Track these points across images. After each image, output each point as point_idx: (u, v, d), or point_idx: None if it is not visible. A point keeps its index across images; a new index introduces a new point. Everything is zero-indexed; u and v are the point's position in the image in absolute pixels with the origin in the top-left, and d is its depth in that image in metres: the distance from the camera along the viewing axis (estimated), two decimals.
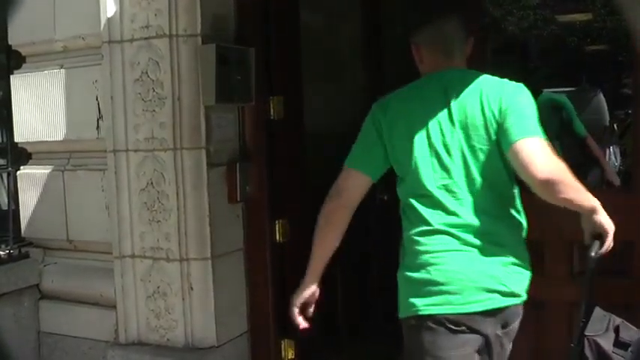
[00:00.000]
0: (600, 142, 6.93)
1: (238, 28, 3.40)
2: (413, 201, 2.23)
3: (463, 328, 2.14)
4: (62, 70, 3.70)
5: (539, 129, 2.14)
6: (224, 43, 3.22)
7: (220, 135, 3.28)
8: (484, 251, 2.16)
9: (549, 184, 2.04)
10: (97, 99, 3.54)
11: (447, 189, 2.18)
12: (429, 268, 2.16)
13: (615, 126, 7.30)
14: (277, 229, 3.48)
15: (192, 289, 3.22)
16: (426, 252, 2.18)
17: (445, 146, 2.18)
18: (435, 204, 2.18)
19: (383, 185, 3.86)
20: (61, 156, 3.80)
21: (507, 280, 2.18)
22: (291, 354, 3.53)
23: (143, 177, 3.25)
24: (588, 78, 14.05)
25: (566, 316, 2.89)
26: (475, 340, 2.17)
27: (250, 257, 3.45)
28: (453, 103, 2.19)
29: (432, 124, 2.20)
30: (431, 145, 2.19)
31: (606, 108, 12.94)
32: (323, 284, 3.76)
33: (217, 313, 3.25)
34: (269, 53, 3.45)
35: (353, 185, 2.32)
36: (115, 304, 3.43)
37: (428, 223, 2.18)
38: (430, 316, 2.15)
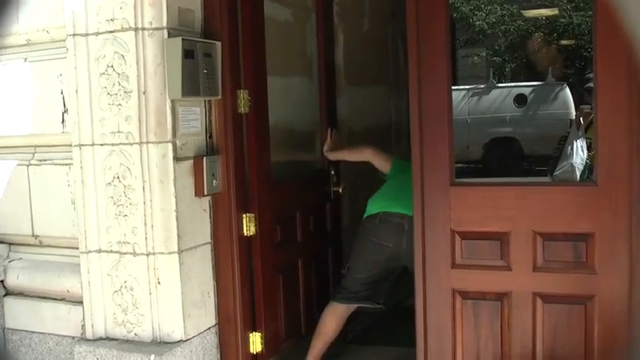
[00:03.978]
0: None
1: (205, 22, 3.39)
2: None
3: None
4: (26, 64, 3.67)
5: None
6: (191, 37, 3.21)
7: (187, 129, 3.27)
8: None
9: None
10: (62, 93, 3.52)
11: None
12: None
13: (581, 119, 7.37)
14: (244, 222, 3.49)
15: (159, 283, 3.21)
16: None
17: None
18: None
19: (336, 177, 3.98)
20: (26, 150, 3.77)
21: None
22: (259, 347, 3.55)
23: (109, 171, 3.23)
24: (554, 72, 14.27)
25: (529, 306, 2.95)
26: None
27: (218, 251, 3.45)
28: None
29: None
30: None
31: (572, 102, 13.15)
32: (287, 281, 3.80)
33: (185, 307, 3.24)
34: (236, 47, 3.45)
35: None
36: (81, 300, 3.41)
37: None
38: None
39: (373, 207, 3.70)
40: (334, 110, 4.35)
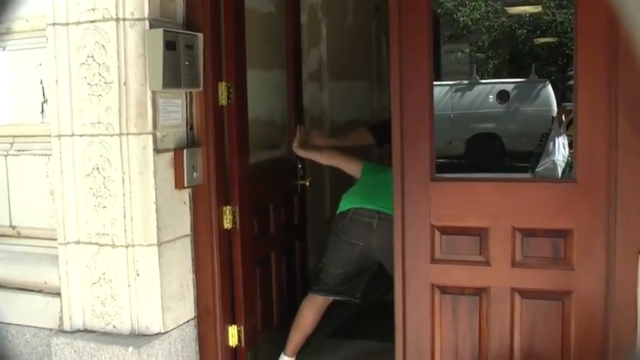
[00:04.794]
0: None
1: (187, 13, 3.36)
2: None
3: None
4: (5, 52, 3.63)
5: None
6: (172, 28, 3.18)
7: (168, 120, 3.25)
8: None
9: None
10: (41, 82, 3.48)
11: None
12: None
13: (563, 117, 7.45)
14: (225, 215, 3.48)
15: (138, 275, 3.20)
16: None
17: None
18: None
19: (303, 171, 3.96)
20: (4, 140, 3.72)
21: None
22: (237, 340, 3.55)
23: (89, 162, 3.21)
24: (537, 70, 14.36)
25: (508, 301, 2.96)
26: None
27: (197, 244, 3.44)
28: None
29: None
30: None
31: (554, 99, 13.25)
32: (262, 274, 3.81)
33: (164, 299, 3.23)
34: (218, 39, 3.43)
35: None
36: (59, 292, 3.39)
37: None
38: None
39: (345, 203, 3.72)
40: (301, 104, 4.35)
